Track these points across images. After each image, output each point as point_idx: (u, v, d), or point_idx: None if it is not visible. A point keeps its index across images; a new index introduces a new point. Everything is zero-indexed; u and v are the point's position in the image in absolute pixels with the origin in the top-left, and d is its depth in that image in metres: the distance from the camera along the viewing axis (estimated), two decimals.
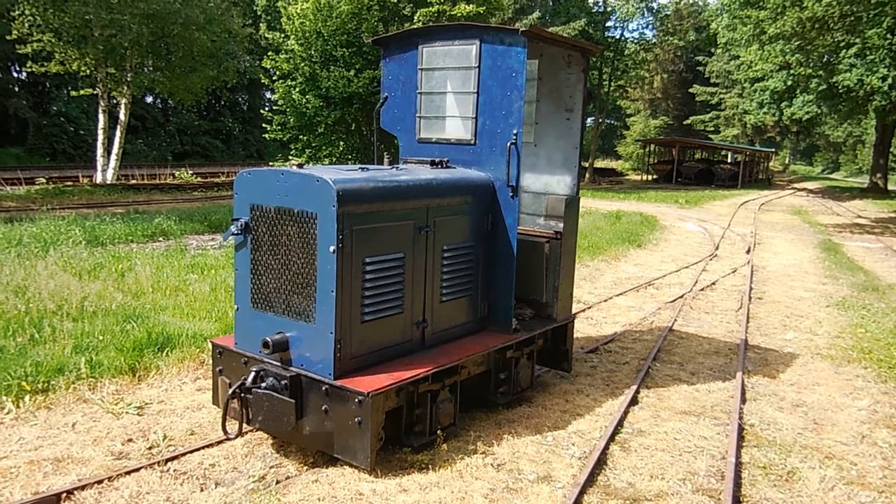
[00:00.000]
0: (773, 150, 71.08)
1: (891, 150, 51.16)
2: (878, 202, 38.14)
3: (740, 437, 5.59)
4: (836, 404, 6.57)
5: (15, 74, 40.22)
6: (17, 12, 23.59)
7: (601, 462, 5.01)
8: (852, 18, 20.77)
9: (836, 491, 4.84)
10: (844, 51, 24.06)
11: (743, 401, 6.46)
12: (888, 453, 5.50)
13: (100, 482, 4.38)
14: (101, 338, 6.75)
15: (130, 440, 5.07)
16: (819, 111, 38.35)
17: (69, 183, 25.43)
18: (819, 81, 29.16)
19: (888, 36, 21.54)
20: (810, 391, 6.90)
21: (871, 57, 23.95)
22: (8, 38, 24.45)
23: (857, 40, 22.51)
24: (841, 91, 27.44)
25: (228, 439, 4.86)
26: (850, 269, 14.59)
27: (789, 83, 34.36)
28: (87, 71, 25.37)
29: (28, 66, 25.13)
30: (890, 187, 49.69)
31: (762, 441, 5.62)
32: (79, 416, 5.45)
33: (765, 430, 5.86)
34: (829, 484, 4.93)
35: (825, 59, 25.49)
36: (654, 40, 52.78)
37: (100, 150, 26.53)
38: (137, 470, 4.56)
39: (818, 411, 6.36)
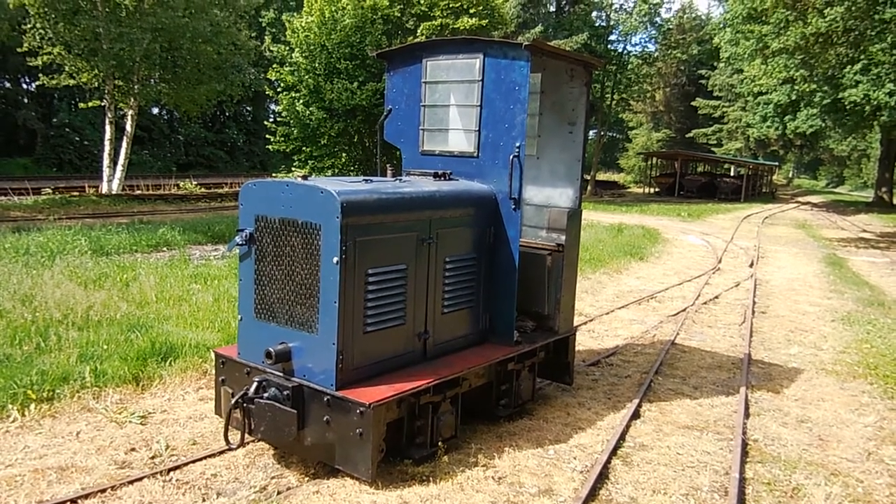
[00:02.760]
0: (777, 163, 71.10)
1: None
2: (883, 216, 38.07)
3: (744, 453, 5.57)
4: (842, 420, 6.54)
5: (24, 86, 40.56)
6: (28, 25, 23.86)
7: (603, 476, 4.99)
8: (857, 33, 20.84)
9: None
10: (849, 66, 24.11)
11: (746, 416, 6.44)
12: (895, 471, 5.47)
13: (103, 491, 4.39)
14: (105, 347, 6.79)
15: (133, 449, 5.08)
16: (823, 125, 38.45)
17: (75, 193, 25.60)
18: (823, 95, 29.21)
19: (893, 52, 21.58)
20: (815, 407, 6.87)
21: (876, 71, 23.99)
22: (18, 50, 24.72)
23: (863, 56, 22.55)
24: (847, 106, 27.48)
25: (230, 449, 4.87)
26: (856, 284, 14.56)
27: (793, 97, 34.45)
28: (96, 83, 25.61)
29: (39, 79, 25.39)
30: (895, 201, 49.62)
31: (766, 457, 5.60)
32: (83, 424, 5.47)
33: (769, 445, 5.84)
34: (834, 501, 4.90)
35: (829, 74, 25.54)
36: (657, 54, 52.89)
37: (106, 161, 26.71)
38: (140, 479, 4.57)
39: (823, 427, 6.33)
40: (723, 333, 9.71)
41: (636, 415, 6.28)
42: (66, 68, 25.04)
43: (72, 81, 25.38)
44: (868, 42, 21.25)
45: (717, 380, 7.55)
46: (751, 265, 16.36)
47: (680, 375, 7.63)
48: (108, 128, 26.50)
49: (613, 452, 5.39)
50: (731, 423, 6.23)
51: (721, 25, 34.28)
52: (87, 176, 32.70)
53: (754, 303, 11.76)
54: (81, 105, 28.39)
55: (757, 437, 5.99)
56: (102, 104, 26.43)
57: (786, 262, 17.62)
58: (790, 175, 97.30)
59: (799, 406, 6.86)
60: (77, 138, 40.13)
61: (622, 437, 5.72)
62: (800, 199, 59.32)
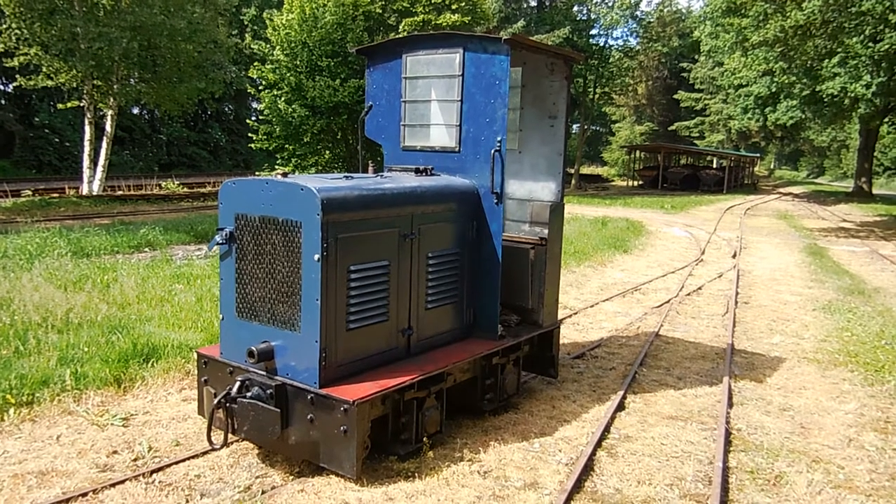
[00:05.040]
0: (758, 155, 71.74)
1: (875, 154, 51.84)
2: (862, 206, 38.53)
3: (727, 442, 5.61)
4: (823, 408, 6.61)
5: (1, 87, 39.94)
6: (3, 26, 23.50)
7: (588, 468, 5.01)
8: (834, 25, 21.05)
9: (823, 495, 4.86)
10: (828, 59, 24.36)
11: (730, 405, 6.49)
12: (875, 456, 5.54)
13: (84, 495, 4.34)
14: (86, 349, 6.70)
15: (115, 452, 5.03)
16: (803, 116, 38.88)
17: (55, 195, 25.28)
18: (802, 87, 29.51)
19: (870, 45, 21.83)
20: (797, 395, 6.94)
21: (854, 63, 24.28)
22: None
23: (840, 49, 22.80)
24: (825, 97, 27.78)
25: (214, 450, 4.83)
26: (836, 273, 14.72)
27: (773, 89, 34.78)
28: (75, 84, 25.29)
29: (17, 80, 25.02)
30: (874, 191, 50.24)
31: (749, 445, 5.64)
32: (63, 428, 5.40)
33: (752, 434, 5.89)
34: (816, 488, 4.95)
35: (808, 66, 25.80)
36: (639, 47, 53.16)
37: (86, 162, 26.39)
38: (122, 482, 4.52)
39: (805, 415, 6.40)
40: (706, 324, 9.78)
41: (621, 406, 6.31)
42: (44, 69, 24.70)
43: (50, 82, 25.04)
44: (845, 34, 21.47)
45: (701, 370, 7.60)
46: (733, 256, 16.48)
47: (664, 366, 7.67)
48: (87, 128, 26.18)
49: (598, 444, 5.41)
50: (714, 412, 6.28)
51: (701, 18, 34.53)
52: (68, 177, 32.29)
53: (737, 293, 11.86)
54: (60, 106, 28.03)
55: (740, 426, 6.05)
56: (81, 105, 26.11)
57: (768, 253, 17.78)
58: (771, 166, 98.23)
59: (781, 395, 6.92)
60: (57, 139, 39.60)
61: (607, 429, 5.74)
62: (781, 190, 59.85)
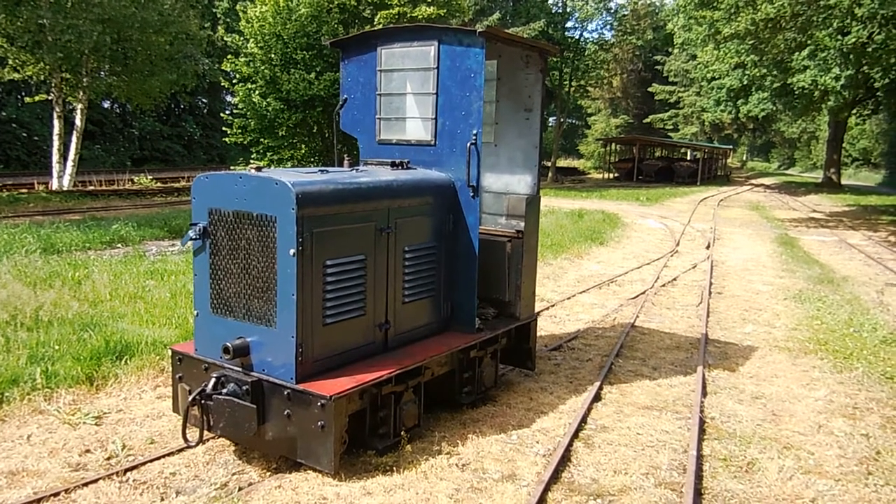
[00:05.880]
0: (731, 146, 72.69)
1: (843, 145, 52.78)
2: (832, 196, 39.23)
3: (701, 431, 5.69)
4: (794, 395, 6.73)
5: None
6: None
7: (565, 459, 5.05)
8: (804, 18, 21.34)
9: (794, 480, 4.95)
10: (798, 52, 24.69)
11: (704, 394, 6.58)
12: (844, 442, 5.65)
13: (56, 495, 4.28)
14: (57, 347, 6.59)
15: (88, 451, 4.96)
16: (774, 108, 39.46)
17: (24, 190, 24.77)
18: (773, 80, 29.91)
19: (839, 38, 22.17)
20: (769, 383, 7.06)
21: (823, 56, 24.63)
22: None
23: (810, 42, 23.12)
24: (796, 90, 28.18)
25: (189, 447, 4.79)
26: (807, 263, 14.97)
27: (745, 82, 35.21)
28: (43, 76, 24.76)
29: None
30: (843, 181, 51.16)
31: (723, 433, 5.73)
32: (34, 427, 5.31)
33: (725, 422, 5.98)
34: (787, 474, 5.04)
35: (779, 59, 26.12)
36: (613, 40, 53.49)
37: (55, 157, 25.89)
38: (95, 481, 4.46)
39: (777, 403, 6.51)
40: (681, 314, 9.89)
41: (597, 397, 6.36)
42: (10, 61, 24.16)
43: (17, 75, 24.51)
44: (814, 27, 21.77)
45: (676, 360, 7.69)
46: (707, 247, 16.69)
47: (640, 357, 7.75)
48: (56, 122, 25.65)
49: (575, 435, 5.45)
50: (688, 402, 6.36)
51: (674, 11, 34.78)
52: (37, 172, 31.67)
53: (711, 284, 12.01)
54: (28, 99, 27.44)
55: (714, 414, 6.13)
56: (50, 98, 25.59)
57: (741, 244, 18.03)
58: (744, 158, 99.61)
59: (753, 383, 7.03)
60: (25, 134, 38.78)
61: (584, 420, 5.79)
62: (753, 181, 60.68)
